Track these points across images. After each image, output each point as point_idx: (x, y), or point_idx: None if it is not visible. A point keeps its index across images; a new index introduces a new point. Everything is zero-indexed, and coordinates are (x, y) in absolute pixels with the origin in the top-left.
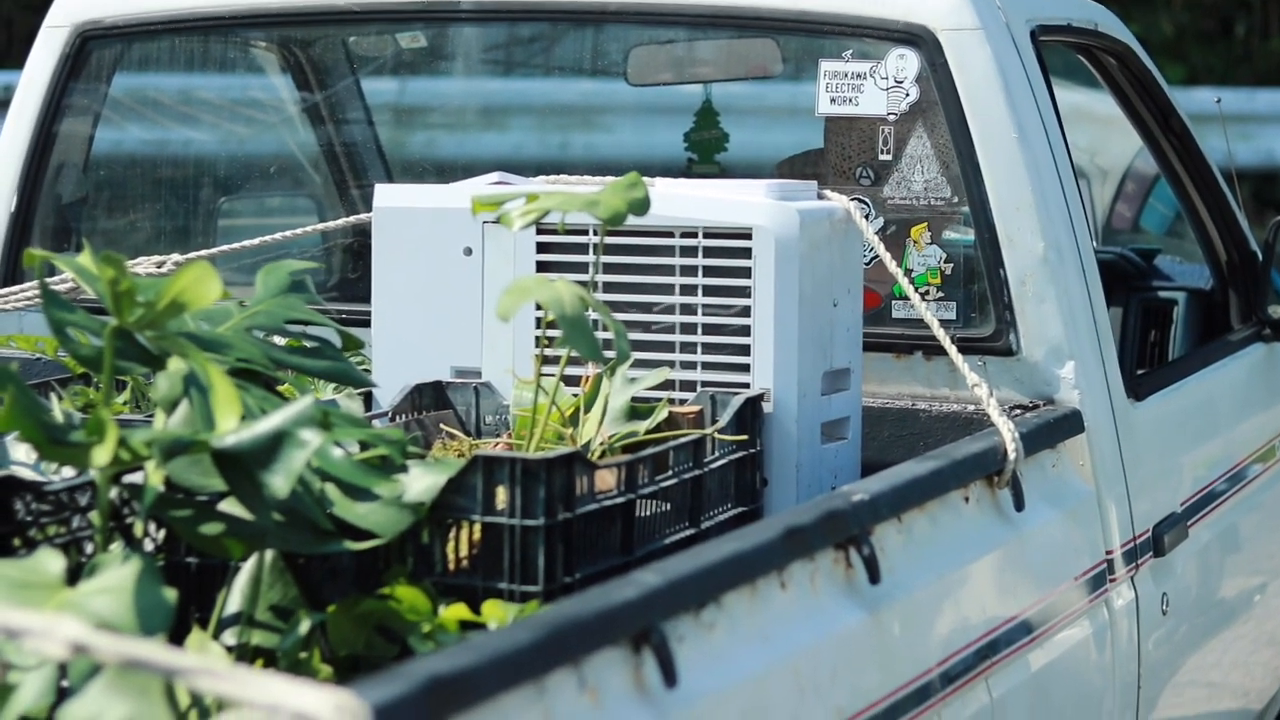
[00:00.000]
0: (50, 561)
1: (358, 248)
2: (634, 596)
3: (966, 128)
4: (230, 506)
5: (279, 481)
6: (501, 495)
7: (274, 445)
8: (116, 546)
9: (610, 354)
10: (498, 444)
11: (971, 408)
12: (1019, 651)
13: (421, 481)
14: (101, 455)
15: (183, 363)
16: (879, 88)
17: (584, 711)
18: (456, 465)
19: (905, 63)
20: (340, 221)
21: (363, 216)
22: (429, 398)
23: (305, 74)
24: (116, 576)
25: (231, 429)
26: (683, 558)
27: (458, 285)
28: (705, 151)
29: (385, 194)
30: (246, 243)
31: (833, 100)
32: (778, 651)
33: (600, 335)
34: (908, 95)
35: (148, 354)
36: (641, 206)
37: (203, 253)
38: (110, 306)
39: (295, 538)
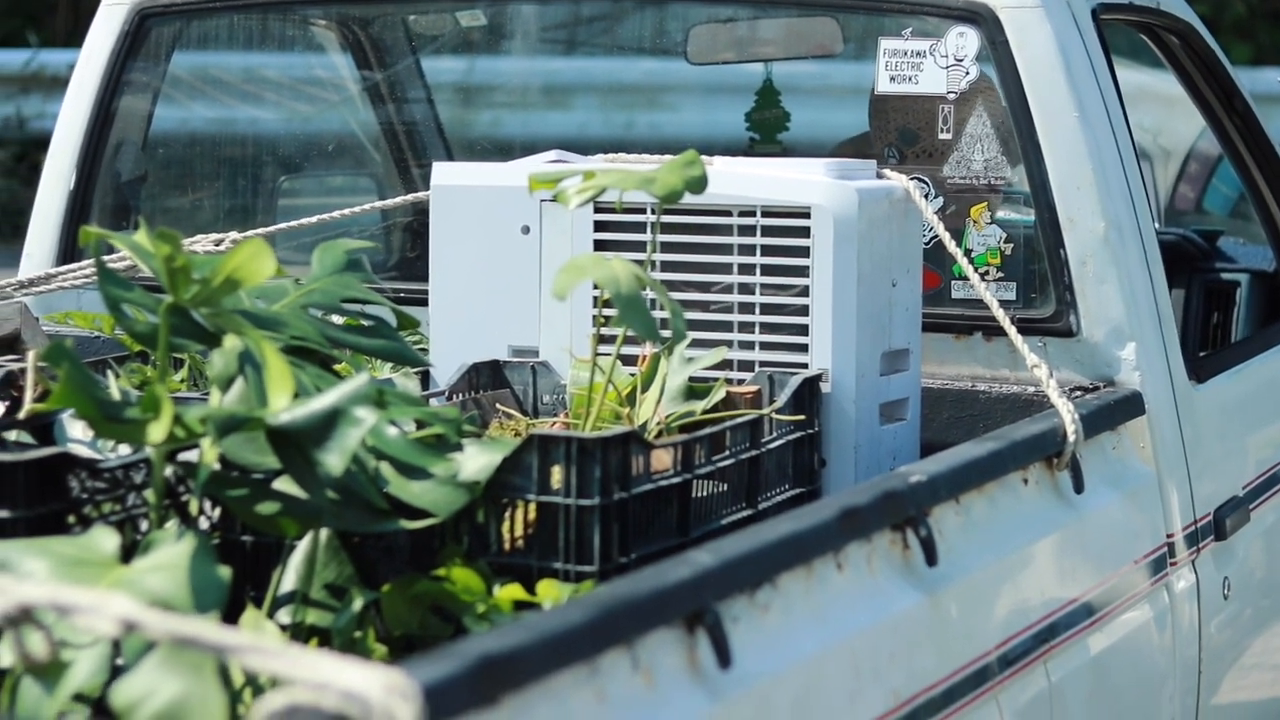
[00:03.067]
0: (105, 539)
1: (417, 226)
2: (688, 577)
3: (1027, 106)
4: (285, 485)
5: (333, 460)
6: (557, 475)
7: (328, 423)
8: (171, 524)
9: (666, 334)
10: (554, 423)
11: (1031, 389)
12: (1078, 635)
13: (477, 460)
14: (156, 432)
15: (238, 340)
16: (939, 66)
17: (637, 692)
18: (512, 444)
19: (965, 41)
20: (399, 200)
21: (421, 195)
22: (486, 377)
23: (365, 52)
24: (170, 554)
25: (285, 407)
26: (738, 538)
27: (515, 264)
28: (767, 131)
29: (443, 172)
30: (304, 220)
31: (892, 79)
32: (833, 633)
33: (657, 315)
34: (967, 74)
35: (203, 331)
36: (698, 185)
37: (261, 230)
38: (165, 283)
39: (350, 516)
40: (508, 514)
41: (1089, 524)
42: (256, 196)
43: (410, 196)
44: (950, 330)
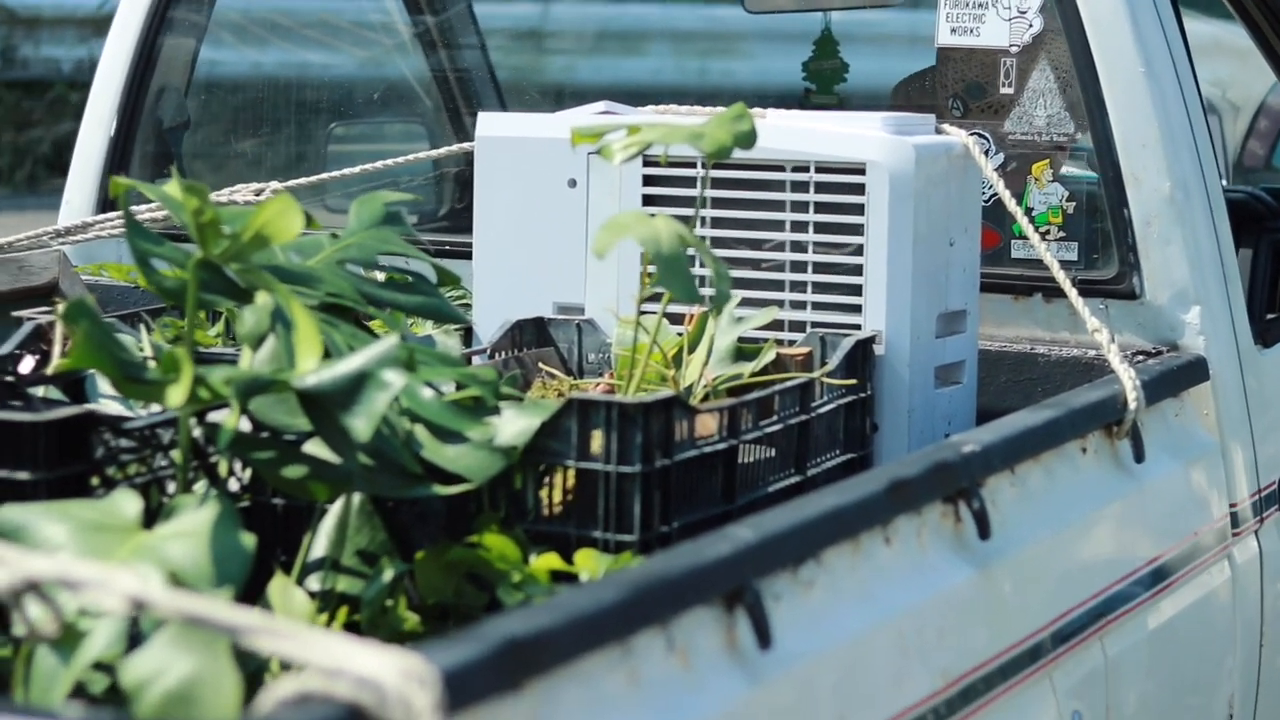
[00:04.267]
0: (127, 503)
1: (468, 177)
2: (727, 553)
3: (1091, 60)
4: (316, 447)
5: (360, 424)
6: (597, 440)
7: (356, 386)
8: (199, 487)
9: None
10: (598, 385)
11: (1092, 353)
12: (1136, 609)
13: (514, 425)
14: (176, 395)
15: (269, 297)
16: (1001, 18)
17: (672, 674)
18: (550, 408)
19: None
20: (442, 150)
21: (467, 145)
22: (530, 334)
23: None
24: (193, 521)
25: (312, 368)
26: (780, 512)
27: (561, 218)
28: (824, 82)
29: (488, 122)
30: (348, 171)
31: (953, 30)
32: (880, 611)
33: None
34: (1031, 26)
35: (235, 287)
36: (747, 139)
37: (301, 180)
38: (195, 237)
39: (382, 481)
40: (546, 480)
41: (1149, 494)
42: (304, 144)
43: (456, 147)
44: (1009, 291)
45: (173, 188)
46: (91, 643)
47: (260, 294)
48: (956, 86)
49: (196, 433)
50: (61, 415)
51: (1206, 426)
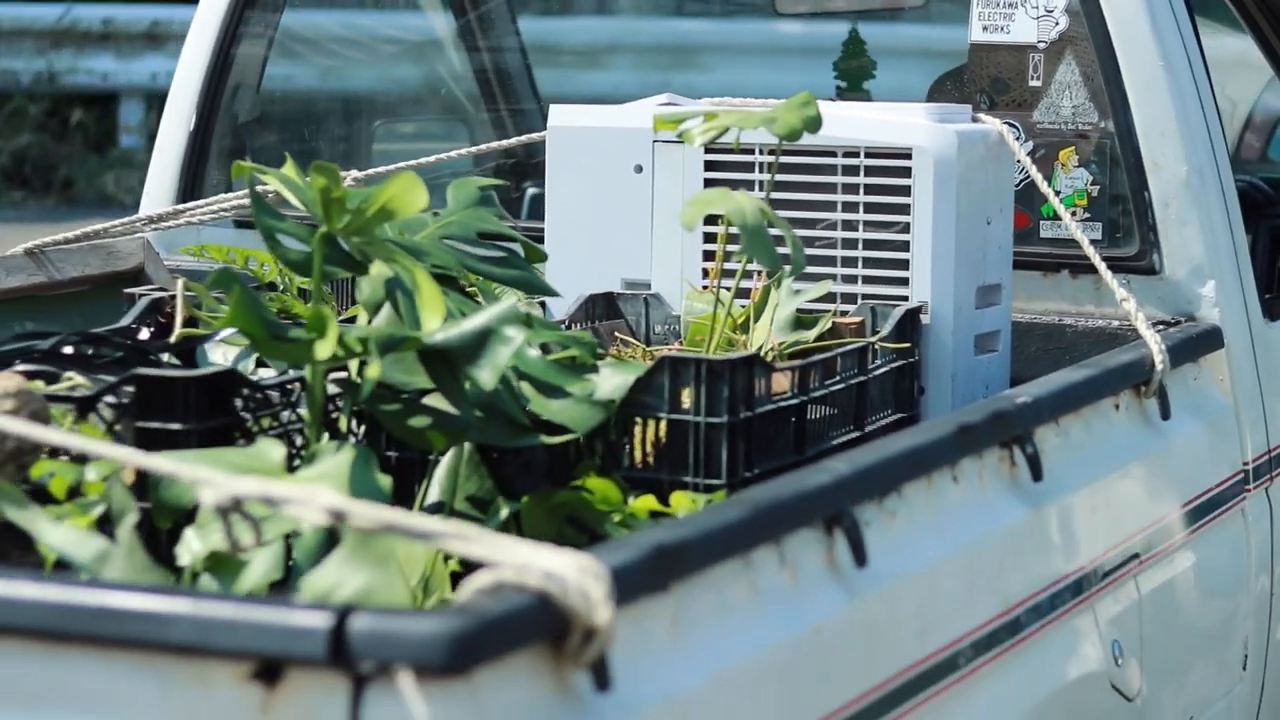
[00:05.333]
0: (272, 450)
1: (522, 167)
2: (828, 481)
3: (1114, 55)
4: (433, 402)
5: (485, 375)
6: (686, 395)
7: (480, 342)
8: (323, 439)
9: (781, 253)
10: (669, 350)
11: (1115, 323)
12: (1164, 553)
13: (611, 380)
14: (323, 350)
15: (384, 267)
16: (1030, 16)
17: (784, 586)
18: (644, 366)
19: None
20: (514, 140)
21: (534, 136)
22: (601, 308)
23: (463, 5)
24: (335, 463)
25: (437, 328)
26: (868, 449)
27: (628, 201)
28: (854, 80)
29: (560, 114)
30: (423, 160)
31: (985, 28)
32: (951, 541)
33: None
34: (1057, 24)
35: (350, 259)
36: (815, 124)
37: (383, 169)
38: (319, 213)
39: (494, 432)
40: (638, 431)
41: (1174, 449)
42: (357, 140)
43: (525, 138)
44: (1038, 268)
45: (289, 170)
46: (252, 570)
47: (376, 264)
48: (984, 82)
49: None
50: (208, 373)
51: (1222, 390)
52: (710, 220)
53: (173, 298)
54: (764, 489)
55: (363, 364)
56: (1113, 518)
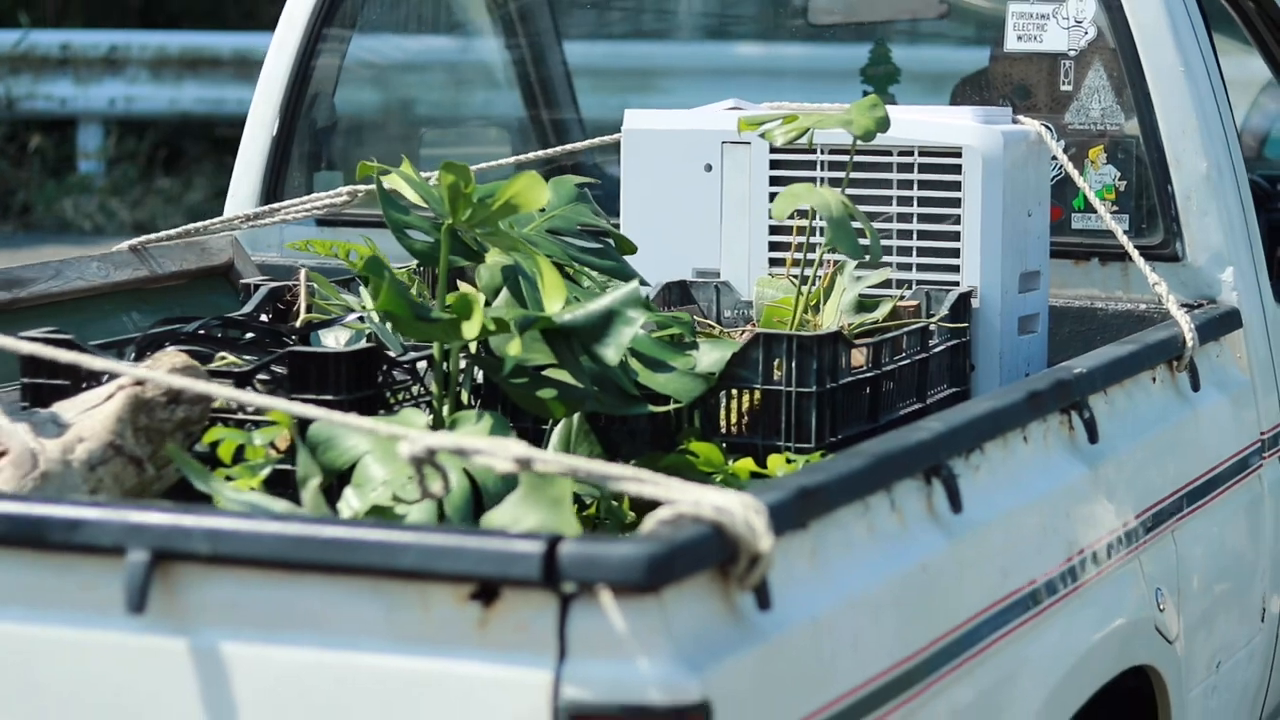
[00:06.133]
0: (417, 416)
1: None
2: (928, 437)
3: (1138, 62)
4: (554, 375)
5: (610, 352)
6: (778, 367)
7: (605, 322)
8: (447, 409)
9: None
10: (742, 332)
11: (1142, 306)
12: (1196, 511)
13: (710, 355)
14: (470, 330)
15: (501, 256)
16: (1061, 27)
17: (894, 527)
18: (739, 343)
19: (1084, 4)
20: (596, 140)
21: (609, 138)
22: (676, 294)
23: (513, 24)
24: (478, 428)
25: (561, 310)
26: (956, 410)
27: (698, 197)
28: (880, 84)
29: (633, 118)
30: (499, 162)
31: (1019, 38)
32: (1024, 493)
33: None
34: (1086, 33)
35: (468, 249)
36: (885, 124)
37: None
38: (446, 208)
39: (609, 401)
40: (734, 401)
41: (1203, 418)
42: (409, 144)
43: (597, 140)
44: (1070, 256)
45: (407, 169)
46: (410, 521)
47: (492, 253)
48: (1006, 88)
49: (446, 366)
50: (355, 349)
51: (1240, 367)
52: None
53: (287, 287)
54: (875, 444)
55: (482, 345)
56: (1154, 478)
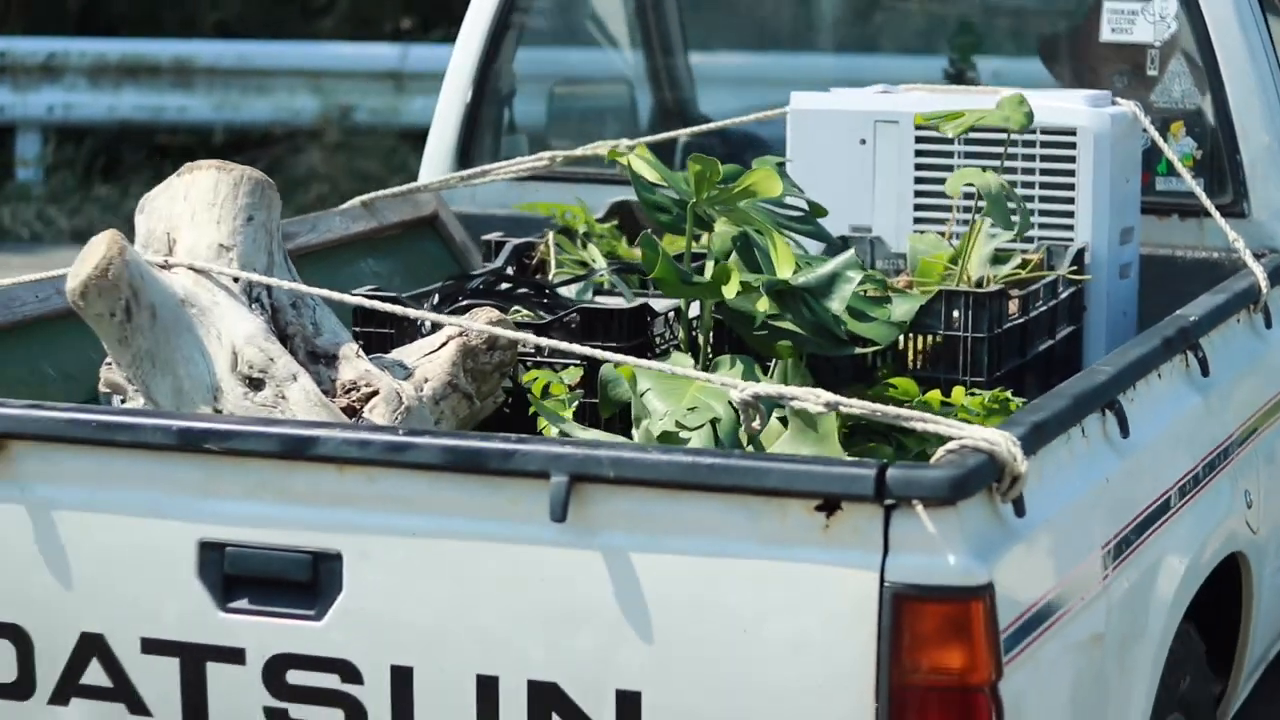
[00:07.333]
0: (685, 360)
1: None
2: (1105, 379)
3: (1213, 51)
4: (778, 324)
5: (836, 304)
6: (956, 315)
7: (831, 281)
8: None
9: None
10: (899, 280)
11: (1215, 255)
12: (1270, 429)
13: (902, 307)
14: (730, 290)
15: (728, 226)
16: (1148, 21)
17: (1084, 451)
18: (924, 297)
19: (1167, 2)
20: (772, 113)
21: (776, 111)
22: (838, 247)
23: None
24: (736, 370)
25: (795, 272)
26: (1116, 355)
27: (854, 165)
28: (964, 51)
29: (799, 99)
30: (689, 130)
31: (1113, 30)
32: (1163, 420)
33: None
34: (1169, 27)
35: (700, 220)
36: (1031, 118)
37: (648, 139)
38: (690, 189)
39: (825, 345)
40: (909, 343)
41: (1274, 351)
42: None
43: (762, 114)
44: (1155, 213)
45: (643, 151)
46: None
47: (719, 223)
48: (1107, 68)
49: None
50: (631, 305)
51: None
52: (921, 182)
53: (529, 244)
54: (1068, 385)
55: (718, 303)
56: (1243, 402)
